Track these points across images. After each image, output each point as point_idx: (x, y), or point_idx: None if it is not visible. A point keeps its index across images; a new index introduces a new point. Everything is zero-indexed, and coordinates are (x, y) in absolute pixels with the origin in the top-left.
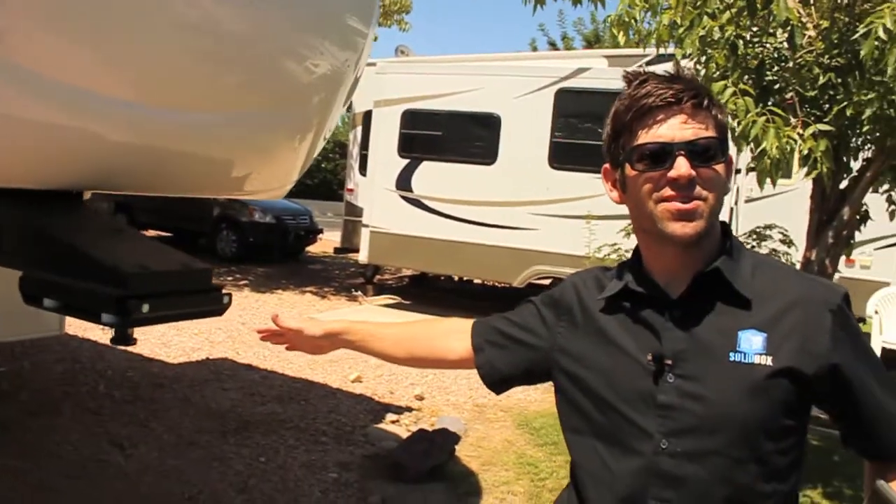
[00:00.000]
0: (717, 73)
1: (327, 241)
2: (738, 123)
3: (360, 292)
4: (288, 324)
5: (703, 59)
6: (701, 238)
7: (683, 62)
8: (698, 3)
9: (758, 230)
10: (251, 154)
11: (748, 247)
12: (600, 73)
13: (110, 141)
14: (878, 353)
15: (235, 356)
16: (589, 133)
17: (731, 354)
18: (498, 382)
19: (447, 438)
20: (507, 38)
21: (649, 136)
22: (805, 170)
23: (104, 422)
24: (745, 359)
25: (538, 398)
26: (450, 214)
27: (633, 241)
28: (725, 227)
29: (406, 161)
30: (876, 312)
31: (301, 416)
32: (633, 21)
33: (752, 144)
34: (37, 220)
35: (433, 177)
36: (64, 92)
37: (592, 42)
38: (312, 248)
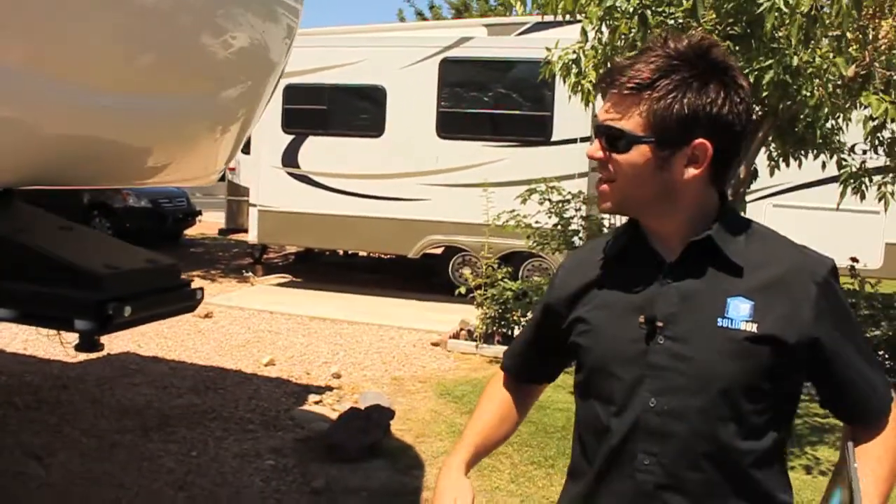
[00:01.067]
0: (624, 42)
1: (206, 223)
2: None
3: (250, 273)
4: None
5: (607, 28)
6: (620, 212)
7: (589, 30)
8: None
9: None
10: (174, 140)
11: None
12: (482, 41)
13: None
14: None
15: (138, 349)
16: (474, 102)
17: (720, 319)
18: (529, 380)
19: (382, 414)
20: (373, 10)
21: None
22: None
23: (12, 432)
24: (731, 324)
25: (453, 366)
26: (340, 189)
27: (528, 207)
28: (723, 197)
29: (291, 137)
30: None
31: (222, 405)
32: None
33: None
34: None
35: (321, 152)
36: None
37: (462, 11)
38: (190, 231)
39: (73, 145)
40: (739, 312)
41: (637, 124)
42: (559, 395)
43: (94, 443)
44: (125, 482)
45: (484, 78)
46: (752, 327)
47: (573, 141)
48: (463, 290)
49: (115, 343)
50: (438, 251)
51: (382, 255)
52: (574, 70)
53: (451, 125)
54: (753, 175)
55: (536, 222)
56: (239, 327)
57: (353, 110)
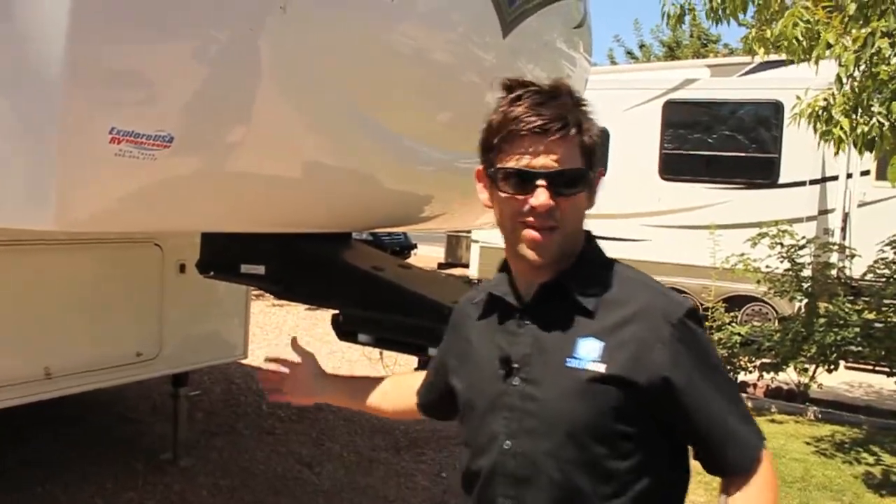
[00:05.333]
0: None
1: (423, 256)
2: None
3: None
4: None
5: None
6: (553, 262)
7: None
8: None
9: None
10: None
11: None
12: (706, 83)
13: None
14: None
15: (377, 374)
16: (698, 143)
17: (568, 360)
18: (435, 414)
19: None
20: None
21: (515, 162)
22: None
23: (282, 441)
24: (580, 364)
25: None
26: None
27: (753, 250)
28: (589, 235)
29: None
30: None
31: None
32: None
33: None
34: (356, 263)
35: None
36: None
37: (673, 48)
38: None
39: (410, 195)
40: (588, 353)
41: (578, 161)
42: (794, 444)
43: (354, 457)
44: (388, 495)
45: (708, 119)
46: (600, 368)
47: (802, 184)
48: None
49: (356, 368)
50: None
51: None
52: (825, 117)
53: (673, 167)
54: None
55: (767, 266)
56: None
57: None
